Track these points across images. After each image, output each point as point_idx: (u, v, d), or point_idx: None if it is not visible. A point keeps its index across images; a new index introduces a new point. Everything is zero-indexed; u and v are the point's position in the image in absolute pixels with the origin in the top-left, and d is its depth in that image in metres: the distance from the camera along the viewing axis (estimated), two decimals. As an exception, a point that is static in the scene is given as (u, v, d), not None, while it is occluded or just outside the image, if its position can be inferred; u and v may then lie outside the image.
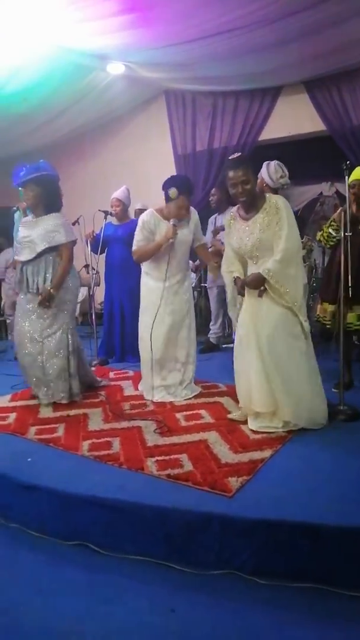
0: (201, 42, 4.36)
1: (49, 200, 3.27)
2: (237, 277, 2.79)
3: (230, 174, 2.62)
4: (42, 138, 6.24)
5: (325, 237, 3.34)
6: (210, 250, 4.71)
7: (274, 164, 3.71)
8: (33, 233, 3.24)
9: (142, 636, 1.58)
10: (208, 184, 5.76)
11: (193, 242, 3.41)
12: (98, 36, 4.33)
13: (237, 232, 2.74)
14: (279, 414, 2.66)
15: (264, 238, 2.61)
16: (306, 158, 5.76)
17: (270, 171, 3.67)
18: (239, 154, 2.77)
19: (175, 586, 1.81)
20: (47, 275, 3.23)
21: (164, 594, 1.77)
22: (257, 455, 2.38)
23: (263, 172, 3.66)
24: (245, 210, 2.71)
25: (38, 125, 5.88)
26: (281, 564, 1.81)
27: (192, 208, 3.40)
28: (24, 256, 3.26)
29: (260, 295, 2.63)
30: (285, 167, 3.75)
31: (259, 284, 2.62)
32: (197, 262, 4.63)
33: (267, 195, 2.70)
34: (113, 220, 4.49)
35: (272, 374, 2.64)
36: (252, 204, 2.66)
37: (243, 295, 2.78)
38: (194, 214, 3.41)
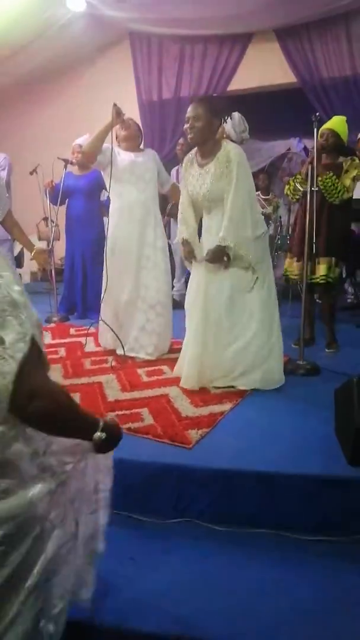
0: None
1: None
2: (185, 239, 2.69)
3: (189, 108, 2.51)
4: (-4, 78, 5.82)
5: (292, 191, 3.30)
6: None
7: (238, 116, 3.57)
8: None
9: (101, 584, 1.60)
10: (176, 135, 5.55)
11: (163, 185, 3.32)
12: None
13: (192, 177, 2.62)
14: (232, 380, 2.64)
15: (214, 190, 2.50)
16: (276, 111, 5.63)
17: (235, 123, 3.53)
18: (215, 94, 2.63)
19: (134, 535, 1.82)
20: None
21: (123, 543, 1.78)
22: (217, 408, 2.40)
23: (227, 124, 3.53)
24: (201, 155, 2.59)
25: (-8, 65, 5.46)
26: (238, 511, 1.85)
27: (150, 149, 3.31)
28: None
29: (226, 267, 2.51)
30: (245, 121, 3.65)
31: (220, 255, 2.49)
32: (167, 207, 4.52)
33: (224, 142, 2.54)
34: (74, 169, 4.28)
35: (220, 340, 2.58)
36: (205, 147, 2.54)
37: (190, 262, 2.72)
38: (153, 152, 3.32)
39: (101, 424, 1.16)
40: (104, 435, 1.16)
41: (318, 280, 3.23)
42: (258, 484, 1.83)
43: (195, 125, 2.47)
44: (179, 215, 2.79)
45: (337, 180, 3.08)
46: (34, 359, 1.00)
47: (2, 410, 0.95)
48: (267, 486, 1.83)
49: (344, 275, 4.01)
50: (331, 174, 3.08)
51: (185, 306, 2.78)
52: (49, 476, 1.09)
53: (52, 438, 1.11)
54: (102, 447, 1.18)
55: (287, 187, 3.40)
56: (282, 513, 1.82)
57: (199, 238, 2.73)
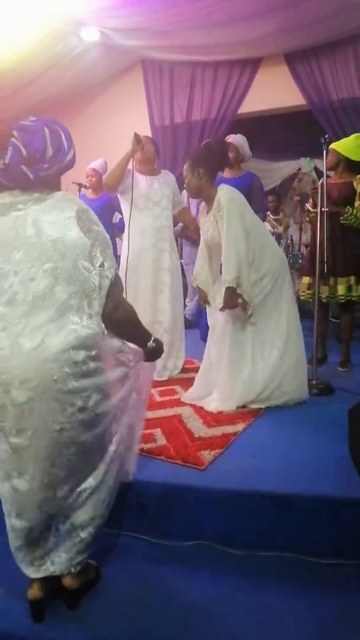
0: (180, 10, 4.22)
1: None
2: (198, 285, 2.83)
3: None
4: (11, 108, 5.99)
5: (307, 214, 3.36)
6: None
7: (244, 137, 3.70)
8: None
9: (115, 607, 1.59)
10: (187, 158, 5.66)
11: (174, 208, 3.34)
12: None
13: (203, 223, 2.73)
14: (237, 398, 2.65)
15: (216, 235, 2.60)
16: (286, 133, 5.71)
17: (245, 143, 3.66)
18: (208, 140, 2.69)
19: (147, 557, 1.81)
20: None
21: (136, 565, 1.78)
22: (230, 429, 2.39)
23: (239, 145, 3.62)
24: (205, 203, 2.69)
25: (7, 94, 5.63)
26: (251, 533, 1.83)
27: (166, 170, 3.37)
28: None
29: (244, 309, 2.54)
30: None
31: (233, 298, 2.51)
32: (177, 227, 4.51)
33: (219, 188, 2.59)
34: (88, 192, 4.38)
35: (234, 363, 2.62)
36: (204, 196, 2.64)
37: (204, 306, 2.87)
38: (169, 175, 3.35)
39: (152, 336, 1.66)
40: (154, 344, 1.65)
41: (338, 299, 3.23)
42: (272, 505, 1.82)
43: (186, 184, 2.65)
44: (198, 256, 2.88)
45: (355, 211, 3.10)
46: (118, 281, 1.50)
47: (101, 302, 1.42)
48: (281, 508, 1.81)
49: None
50: (349, 210, 3.09)
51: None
52: (123, 367, 1.56)
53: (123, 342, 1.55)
54: (150, 355, 1.63)
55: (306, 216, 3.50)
56: (297, 535, 1.80)
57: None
